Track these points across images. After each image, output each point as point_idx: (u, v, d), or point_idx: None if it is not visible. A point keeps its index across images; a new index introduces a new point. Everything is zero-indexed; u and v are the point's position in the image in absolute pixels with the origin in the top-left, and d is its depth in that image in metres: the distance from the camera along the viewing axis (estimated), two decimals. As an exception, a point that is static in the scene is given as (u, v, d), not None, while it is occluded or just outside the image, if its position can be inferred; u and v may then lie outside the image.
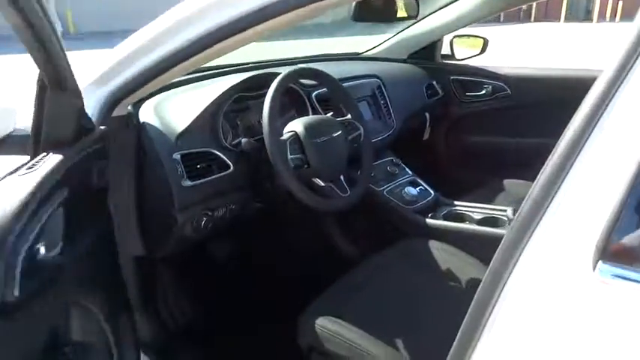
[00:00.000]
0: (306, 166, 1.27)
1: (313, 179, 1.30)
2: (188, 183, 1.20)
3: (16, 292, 0.65)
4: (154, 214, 1.23)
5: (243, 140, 1.29)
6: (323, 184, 1.31)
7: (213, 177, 1.25)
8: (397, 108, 1.88)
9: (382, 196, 1.61)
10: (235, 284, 1.72)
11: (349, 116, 1.44)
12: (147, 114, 1.22)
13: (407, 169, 1.77)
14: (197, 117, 1.26)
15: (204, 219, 1.26)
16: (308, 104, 1.54)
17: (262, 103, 1.24)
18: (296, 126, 1.28)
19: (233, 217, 1.38)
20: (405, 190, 1.64)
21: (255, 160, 1.32)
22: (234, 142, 1.33)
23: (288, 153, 1.23)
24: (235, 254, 1.80)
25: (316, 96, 1.57)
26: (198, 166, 1.23)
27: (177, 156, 1.19)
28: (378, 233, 1.66)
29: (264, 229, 1.77)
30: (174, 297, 1.62)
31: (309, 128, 1.27)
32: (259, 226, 1.75)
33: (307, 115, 1.47)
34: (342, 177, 1.37)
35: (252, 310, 1.62)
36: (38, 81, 0.83)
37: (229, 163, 1.28)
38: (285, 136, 1.26)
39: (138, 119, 1.20)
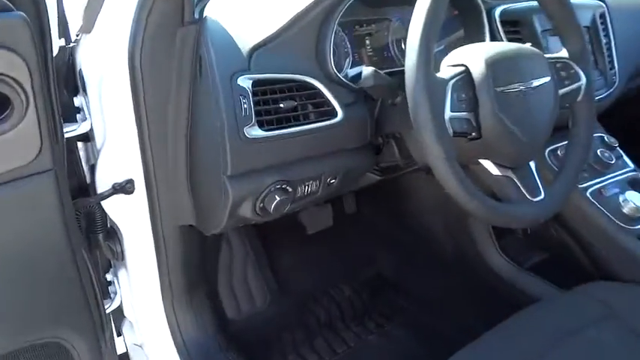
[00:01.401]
0: (474, 134, 0.67)
1: (481, 160, 0.71)
2: (256, 132, 0.69)
3: None
4: (202, 175, 0.75)
5: (366, 70, 0.73)
6: (499, 172, 0.71)
7: (306, 127, 0.74)
8: (623, 55, 1.19)
9: (581, 199, 0.97)
10: (327, 268, 1.38)
11: (564, 53, 0.79)
12: (214, 6, 0.75)
13: (626, 159, 1.09)
14: (292, 20, 0.74)
15: (277, 199, 0.73)
16: (486, 25, 0.93)
17: (410, 12, 0.66)
18: (469, 56, 0.69)
19: (328, 195, 0.85)
20: (625, 195, 0.96)
21: (383, 107, 0.79)
22: (351, 73, 0.80)
23: (448, 105, 0.64)
24: (334, 230, 1.40)
25: (502, 14, 0.95)
26: (282, 105, 0.71)
27: (245, 81, 0.68)
28: (560, 260, 1.05)
29: (382, 207, 1.38)
30: (241, 276, 1.31)
31: (493, 64, 0.67)
32: (374, 199, 1.39)
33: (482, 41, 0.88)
34: (532, 164, 0.75)
35: (340, 308, 1.30)
36: None
37: (337, 107, 0.77)
38: (445, 73, 0.67)
39: (201, 12, 0.71)
